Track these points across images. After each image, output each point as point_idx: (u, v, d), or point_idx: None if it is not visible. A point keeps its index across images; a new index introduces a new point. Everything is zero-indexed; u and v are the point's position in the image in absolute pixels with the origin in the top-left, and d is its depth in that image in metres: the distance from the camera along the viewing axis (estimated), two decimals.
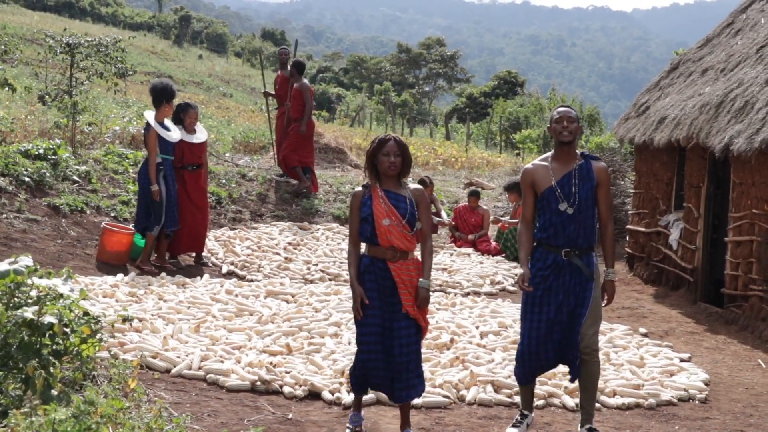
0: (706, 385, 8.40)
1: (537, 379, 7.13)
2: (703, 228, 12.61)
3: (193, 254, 12.45)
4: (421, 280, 6.22)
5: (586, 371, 6.47)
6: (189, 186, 11.95)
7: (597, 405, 7.47)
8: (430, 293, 6.30)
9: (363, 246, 6.40)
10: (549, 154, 6.68)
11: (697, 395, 8.05)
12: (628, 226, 15.34)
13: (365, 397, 7.07)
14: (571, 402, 7.46)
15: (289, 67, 16.72)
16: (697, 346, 10.27)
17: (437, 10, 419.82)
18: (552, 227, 6.46)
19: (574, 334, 6.40)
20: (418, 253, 6.36)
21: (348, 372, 6.56)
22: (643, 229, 14.54)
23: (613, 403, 7.63)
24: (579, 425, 6.59)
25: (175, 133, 11.58)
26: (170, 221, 11.57)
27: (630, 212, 15.57)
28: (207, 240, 13.00)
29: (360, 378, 6.36)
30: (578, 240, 6.45)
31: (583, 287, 6.43)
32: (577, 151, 6.59)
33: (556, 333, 6.46)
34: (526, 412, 6.69)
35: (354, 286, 6.25)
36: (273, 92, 17.32)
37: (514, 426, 6.61)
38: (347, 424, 6.42)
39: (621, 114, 16.21)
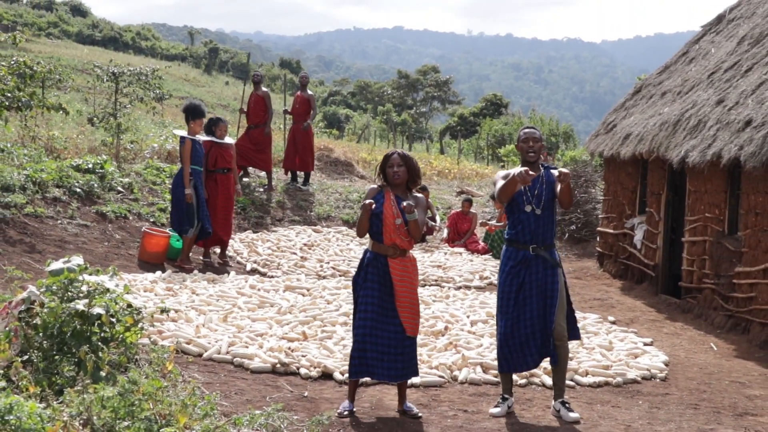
0: (666, 365, 8.41)
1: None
2: (663, 230, 12.62)
3: (218, 250, 12.44)
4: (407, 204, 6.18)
5: (558, 355, 6.57)
6: (220, 188, 11.99)
7: (572, 383, 7.53)
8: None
9: (368, 242, 6.44)
10: (517, 168, 6.68)
11: (658, 374, 8.06)
12: (599, 228, 15.33)
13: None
14: (550, 381, 7.45)
15: (308, 90, 17.10)
16: (658, 332, 10.28)
17: (432, 42, 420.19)
18: (519, 224, 6.59)
19: (547, 323, 6.48)
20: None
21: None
22: (611, 231, 14.54)
23: (585, 381, 7.64)
24: (553, 399, 6.68)
25: (203, 137, 11.72)
26: (206, 221, 11.60)
27: (600, 216, 15.56)
28: (233, 241, 13.03)
29: (358, 359, 6.30)
30: (542, 236, 6.56)
31: (551, 280, 6.52)
32: (539, 164, 6.72)
33: (530, 320, 6.52)
34: (506, 396, 6.71)
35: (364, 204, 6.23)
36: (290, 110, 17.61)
37: (496, 407, 6.64)
38: (337, 410, 6.26)
39: (592, 131, 16.20)
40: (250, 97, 17.01)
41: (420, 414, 6.38)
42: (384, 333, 6.26)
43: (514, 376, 7.37)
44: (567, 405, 6.56)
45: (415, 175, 6.39)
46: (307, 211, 16.29)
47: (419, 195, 6.51)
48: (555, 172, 6.61)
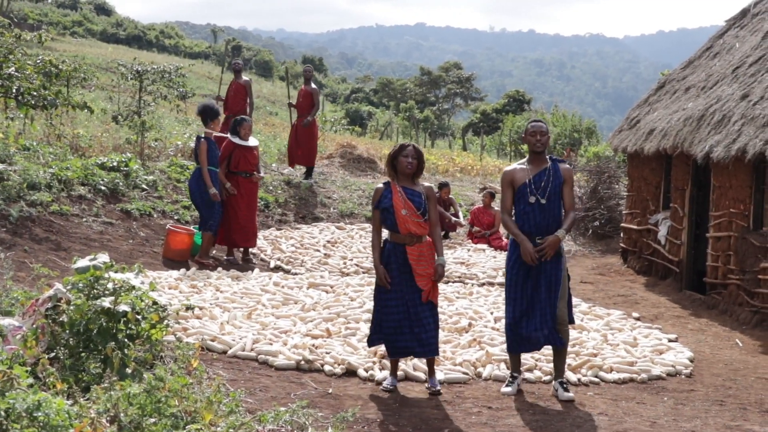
0: (691, 361, 8.37)
1: (543, 356, 7.41)
2: (688, 225, 12.54)
3: (241, 249, 12.44)
4: (437, 257, 6.77)
5: (560, 338, 6.96)
6: (243, 190, 11.97)
7: (596, 380, 7.57)
8: (445, 275, 6.72)
9: (385, 233, 6.93)
10: (525, 159, 7.18)
11: (683, 370, 8.01)
12: (622, 224, 15.25)
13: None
14: (574, 377, 7.46)
15: (312, 83, 17.06)
16: (682, 328, 10.21)
17: (454, 38, 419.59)
18: (525, 215, 6.94)
19: (551, 308, 6.86)
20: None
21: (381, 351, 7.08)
22: (635, 227, 14.47)
23: (610, 378, 7.61)
24: (553, 379, 7.10)
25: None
26: (216, 224, 11.57)
27: (624, 212, 15.48)
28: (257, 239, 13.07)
29: (388, 344, 6.87)
30: (547, 227, 6.89)
31: (554, 269, 6.88)
32: (546, 156, 7.06)
33: (535, 305, 6.91)
34: (515, 374, 7.14)
35: (377, 267, 6.82)
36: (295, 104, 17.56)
37: (507, 386, 7.07)
38: (384, 384, 6.87)
39: (615, 127, 16.13)
40: (231, 86, 16.93)
41: (440, 391, 6.83)
42: (407, 310, 6.78)
43: (537, 372, 7.52)
44: (564, 385, 6.96)
45: (422, 168, 6.89)
46: (330, 208, 16.30)
47: (428, 184, 6.95)
48: (563, 166, 6.99)
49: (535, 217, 6.88)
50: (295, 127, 17.11)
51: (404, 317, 6.76)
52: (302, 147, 16.97)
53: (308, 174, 17.39)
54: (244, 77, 17.03)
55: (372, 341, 7.04)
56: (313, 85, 17.27)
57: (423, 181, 7.02)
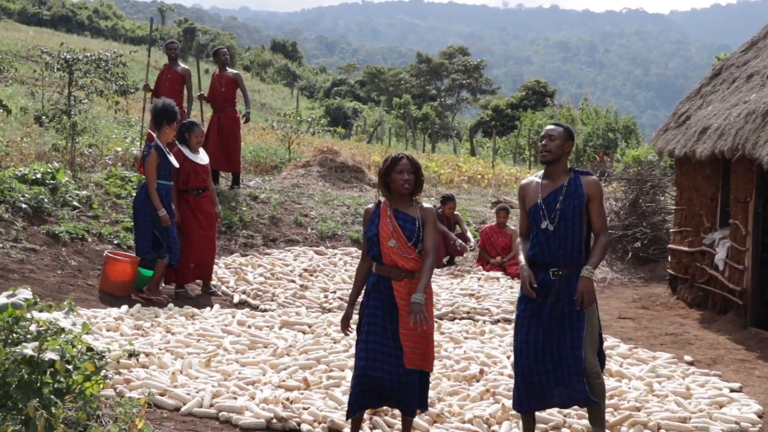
0: (760, 417, 8.33)
1: (574, 410, 7.39)
2: (752, 246, 12.54)
3: (200, 283, 12.41)
4: (413, 295, 6.44)
5: (591, 393, 6.70)
6: (195, 211, 11.94)
7: None
8: (423, 308, 6.41)
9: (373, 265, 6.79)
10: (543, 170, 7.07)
11: (749, 428, 7.98)
12: (670, 246, 15.27)
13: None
14: (579, 425, 7.47)
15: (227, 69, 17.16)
16: (748, 374, 10.20)
17: (459, 17, 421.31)
18: (538, 245, 6.82)
19: (572, 358, 6.65)
20: None
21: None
22: (686, 249, 14.48)
23: None
24: None
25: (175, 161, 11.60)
26: (174, 252, 11.52)
27: (671, 230, 15.51)
28: (217, 267, 13.04)
29: (360, 394, 6.60)
30: (563, 258, 6.73)
31: (576, 309, 6.67)
32: (569, 167, 6.93)
33: (548, 352, 6.72)
34: None
35: (348, 305, 6.88)
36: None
37: None
38: None
39: (659, 124, 16.18)
40: (163, 74, 16.76)
41: None
42: (386, 366, 6.56)
43: (565, 431, 7.41)
44: None
45: (421, 183, 6.77)
46: (308, 228, 16.30)
47: (427, 206, 6.82)
48: (587, 180, 6.83)
49: (550, 245, 6.74)
50: (217, 124, 16.86)
51: (381, 362, 6.57)
52: (229, 150, 16.78)
53: (236, 181, 17.27)
54: (182, 65, 16.89)
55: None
56: (234, 70, 17.27)
57: (424, 198, 6.96)
